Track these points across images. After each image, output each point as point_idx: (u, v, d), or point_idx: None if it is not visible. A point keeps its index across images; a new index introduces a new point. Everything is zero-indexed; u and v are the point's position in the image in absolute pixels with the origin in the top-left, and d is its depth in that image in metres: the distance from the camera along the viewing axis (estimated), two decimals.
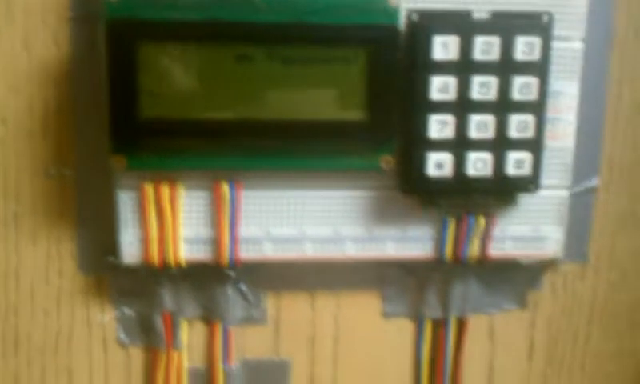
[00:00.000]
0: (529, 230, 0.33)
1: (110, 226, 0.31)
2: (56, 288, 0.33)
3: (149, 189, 0.30)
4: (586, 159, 0.34)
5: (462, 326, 0.35)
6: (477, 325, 0.35)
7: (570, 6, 0.30)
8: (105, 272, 0.33)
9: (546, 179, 0.32)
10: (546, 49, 0.29)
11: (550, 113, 0.31)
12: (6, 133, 0.31)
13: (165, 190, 0.30)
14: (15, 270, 0.32)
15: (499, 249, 0.33)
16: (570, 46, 0.31)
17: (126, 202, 0.30)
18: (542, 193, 0.32)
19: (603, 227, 0.35)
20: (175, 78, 0.28)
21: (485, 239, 0.32)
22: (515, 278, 0.35)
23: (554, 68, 0.30)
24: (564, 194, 0.32)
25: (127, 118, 0.28)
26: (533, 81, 0.29)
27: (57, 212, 0.32)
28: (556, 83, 0.31)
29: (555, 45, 0.30)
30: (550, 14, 0.29)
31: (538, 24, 0.29)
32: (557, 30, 0.30)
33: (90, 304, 0.33)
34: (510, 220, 0.32)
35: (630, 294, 0.36)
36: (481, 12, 0.29)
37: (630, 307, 0.36)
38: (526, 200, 0.32)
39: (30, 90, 0.30)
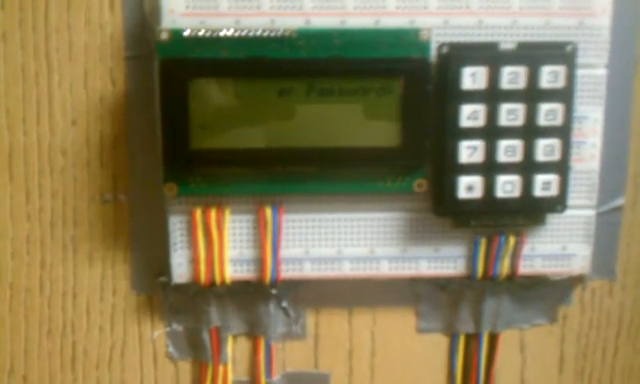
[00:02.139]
0: (557, 248, 0.34)
1: (161, 248, 0.33)
2: (110, 306, 0.35)
3: (197, 213, 0.32)
4: (613, 179, 0.35)
5: (493, 340, 0.36)
6: (508, 339, 0.36)
7: (593, 34, 0.32)
8: (156, 291, 0.35)
9: (573, 199, 0.33)
10: (570, 77, 0.31)
11: (576, 136, 0.32)
12: (65, 162, 0.33)
13: (212, 215, 0.32)
14: (73, 289, 0.35)
15: (528, 266, 0.34)
16: (594, 73, 0.32)
17: (176, 225, 0.32)
18: (570, 212, 0.33)
19: (630, 245, 0.36)
20: (222, 111, 0.30)
21: (515, 257, 0.34)
22: (545, 293, 0.36)
23: (579, 94, 0.32)
24: (591, 213, 0.34)
25: (178, 148, 0.30)
26: (558, 107, 0.31)
27: (111, 235, 0.34)
28: (581, 108, 0.32)
29: (580, 72, 0.32)
30: (573, 44, 0.31)
31: (562, 54, 0.31)
32: (581, 58, 0.32)
33: (141, 321, 0.35)
34: (539, 239, 0.34)
35: None
36: (507, 43, 0.31)
37: None
38: (554, 219, 0.33)
39: (87, 123, 0.33)
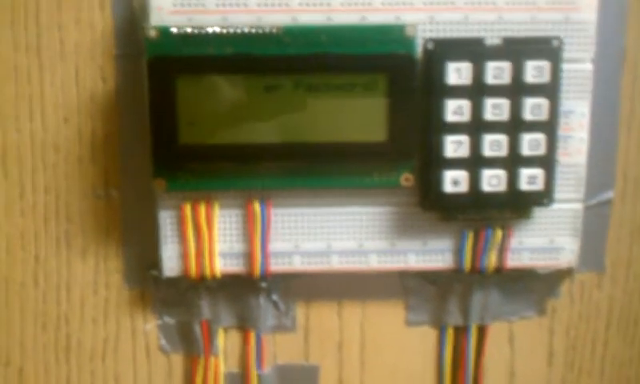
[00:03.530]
0: (545, 241, 0.34)
1: (153, 242, 0.34)
2: (103, 299, 0.36)
3: (187, 208, 0.33)
4: (601, 173, 0.35)
5: (482, 332, 0.36)
6: (497, 332, 0.37)
7: (579, 29, 0.32)
8: (148, 284, 0.35)
9: (560, 193, 0.33)
10: (556, 71, 0.31)
11: (563, 131, 0.33)
12: (58, 159, 0.34)
13: (202, 209, 0.33)
14: (67, 282, 0.35)
15: (516, 259, 0.34)
16: (580, 68, 0.32)
17: (166, 220, 0.33)
18: (557, 206, 0.33)
19: (619, 238, 0.36)
20: (210, 107, 0.31)
21: (502, 251, 0.34)
22: (533, 286, 0.36)
23: (565, 88, 0.32)
24: (578, 206, 0.34)
25: (167, 144, 0.31)
26: (543, 102, 0.31)
27: (104, 230, 0.35)
28: (567, 103, 0.32)
29: (566, 66, 0.32)
30: (559, 39, 0.31)
31: (547, 48, 0.31)
32: (567, 53, 0.32)
33: (134, 314, 0.36)
34: (527, 232, 0.34)
35: None
36: (493, 39, 0.31)
37: None
38: (541, 213, 0.34)
39: (79, 120, 0.33)
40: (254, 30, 0.30)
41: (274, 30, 0.30)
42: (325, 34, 0.31)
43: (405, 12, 0.31)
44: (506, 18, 0.31)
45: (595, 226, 0.36)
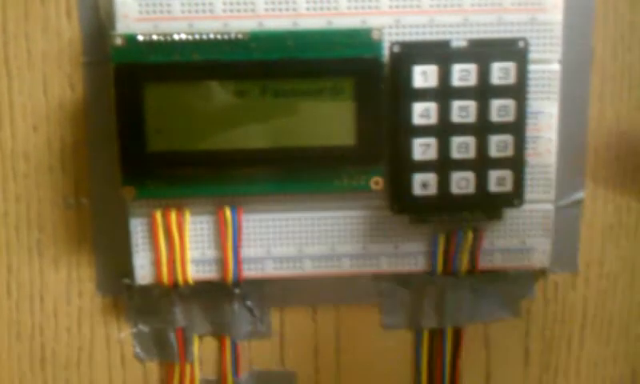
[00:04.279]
0: (516, 242, 0.34)
1: (125, 250, 0.34)
2: (77, 308, 0.35)
3: (158, 215, 0.33)
4: (572, 173, 0.35)
5: (458, 334, 0.36)
6: (473, 333, 0.37)
7: (546, 30, 0.32)
8: (121, 293, 0.35)
9: (530, 194, 0.33)
10: (522, 73, 0.31)
11: (531, 132, 0.33)
12: (28, 168, 0.34)
13: (172, 216, 0.33)
14: (40, 292, 0.35)
15: (488, 261, 0.34)
16: (547, 68, 0.32)
17: (137, 227, 0.33)
18: (527, 207, 0.33)
19: (592, 238, 0.36)
20: (177, 114, 0.31)
21: (474, 252, 0.34)
22: (507, 287, 0.36)
23: (533, 89, 0.32)
24: (549, 207, 0.34)
25: (135, 152, 0.31)
26: (510, 103, 0.31)
27: (76, 239, 0.35)
28: (535, 103, 0.33)
29: (533, 67, 0.32)
30: (525, 40, 0.31)
31: (513, 50, 0.31)
32: (534, 54, 0.32)
33: (108, 322, 0.36)
34: (498, 234, 0.34)
35: (621, 301, 0.37)
36: (459, 41, 0.31)
37: (622, 313, 0.37)
38: (512, 214, 0.34)
39: (48, 129, 0.33)
40: (219, 36, 0.30)
41: (240, 36, 0.31)
42: (291, 38, 0.31)
43: (371, 16, 0.31)
44: (472, 20, 0.32)
45: (567, 226, 0.36)
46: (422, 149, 0.31)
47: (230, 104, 0.31)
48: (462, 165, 0.32)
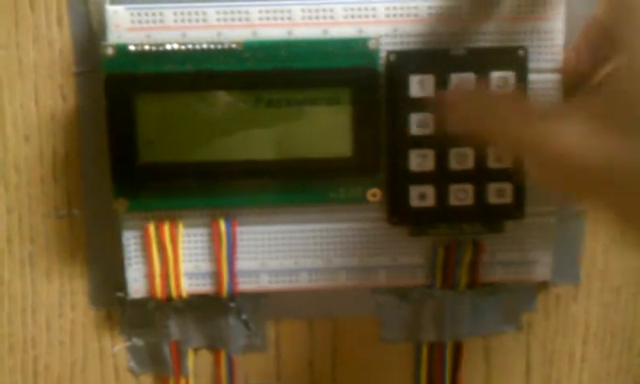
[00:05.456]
0: (518, 255, 0.33)
1: (118, 262, 0.33)
2: (69, 321, 0.35)
3: (151, 228, 0.32)
4: None
5: (458, 348, 0.36)
6: (473, 347, 0.36)
7: (546, 39, 0.31)
8: (114, 306, 0.35)
9: (532, 206, 0.33)
10: (521, 82, 0.30)
11: None
12: (19, 179, 0.33)
13: (166, 229, 0.32)
14: (32, 305, 0.35)
15: (489, 274, 0.34)
16: (547, 78, 0.32)
17: (130, 240, 0.32)
18: (529, 219, 0.33)
19: (595, 250, 0.35)
20: (170, 125, 0.30)
21: (474, 265, 0.33)
22: (508, 300, 0.35)
23: (533, 99, 0.32)
24: (551, 219, 0.33)
25: (127, 163, 0.30)
26: None
27: (68, 251, 0.34)
28: None
29: (533, 77, 0.31)
30: (524, 49, 0.31)
31: (512, 59, 0.30)
32: (534, 63, 0.31)
33: (102, 336, 0.35)
34: (499, 246, 0.33)
35: (624, 314, 0.36)
36: (458, 49, 0.31)
37: (625, 326, 0.36)
38: (513, 226, 0.33)
39: (40, 140, 0.33)
40: (213, 46, 0.30)
41: (234, 46, 0.30)
42: (286, 48, 0.30)
43: (367, 25, 0.31)
44: (470, 29, 0.31)
45: (569, 238, 0.35)
46: (419, 160, 0.31)
47: (223, 115, 0.30)
48: (460, 176, 0.31)
